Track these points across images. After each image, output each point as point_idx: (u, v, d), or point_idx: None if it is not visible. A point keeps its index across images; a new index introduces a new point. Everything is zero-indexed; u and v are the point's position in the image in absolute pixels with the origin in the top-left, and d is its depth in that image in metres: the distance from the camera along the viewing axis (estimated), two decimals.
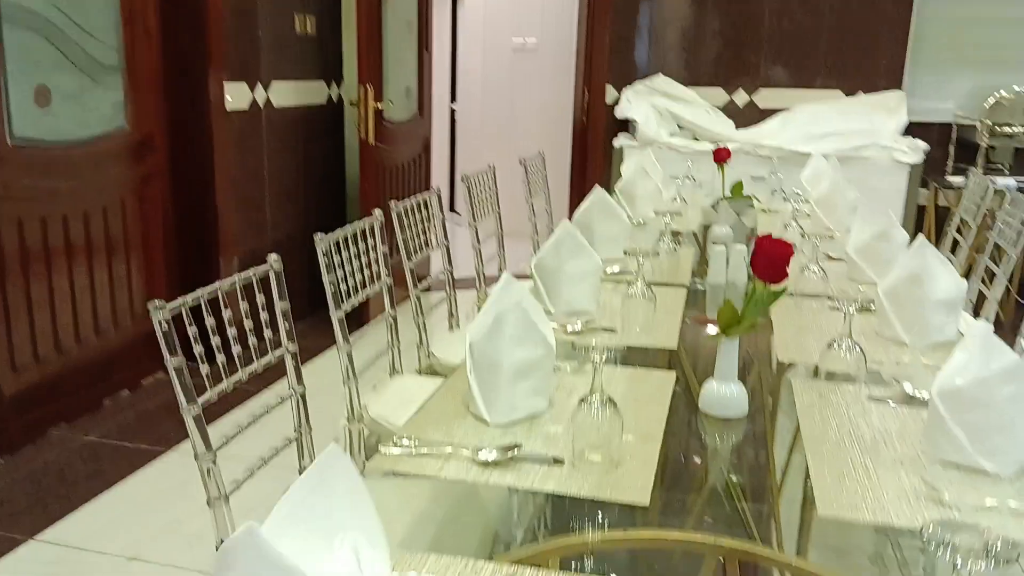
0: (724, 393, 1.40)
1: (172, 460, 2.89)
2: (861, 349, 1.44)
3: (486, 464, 1.21)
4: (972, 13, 4.64)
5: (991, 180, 3.29)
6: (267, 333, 1.62)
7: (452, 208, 6.96)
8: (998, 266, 2.80)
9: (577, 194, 5.39)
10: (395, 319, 2.27)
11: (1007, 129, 4.26)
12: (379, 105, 4.12)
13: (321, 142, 4.39)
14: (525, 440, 1.29)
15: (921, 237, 1.83)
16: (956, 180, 4.36)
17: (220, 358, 1.48)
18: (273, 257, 1.67)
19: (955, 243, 3.42)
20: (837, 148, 4.37)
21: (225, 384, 1.48)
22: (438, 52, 6.27)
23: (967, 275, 3.69)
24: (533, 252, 3.65)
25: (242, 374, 1.53)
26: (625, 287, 1.85)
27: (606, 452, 1.22)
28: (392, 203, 2.38)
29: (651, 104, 4.92)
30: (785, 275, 1.32)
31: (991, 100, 4.27)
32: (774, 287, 1.34)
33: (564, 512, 1.16)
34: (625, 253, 2.46)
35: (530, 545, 1.09)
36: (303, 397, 1.72)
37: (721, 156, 2.86)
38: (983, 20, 4.62)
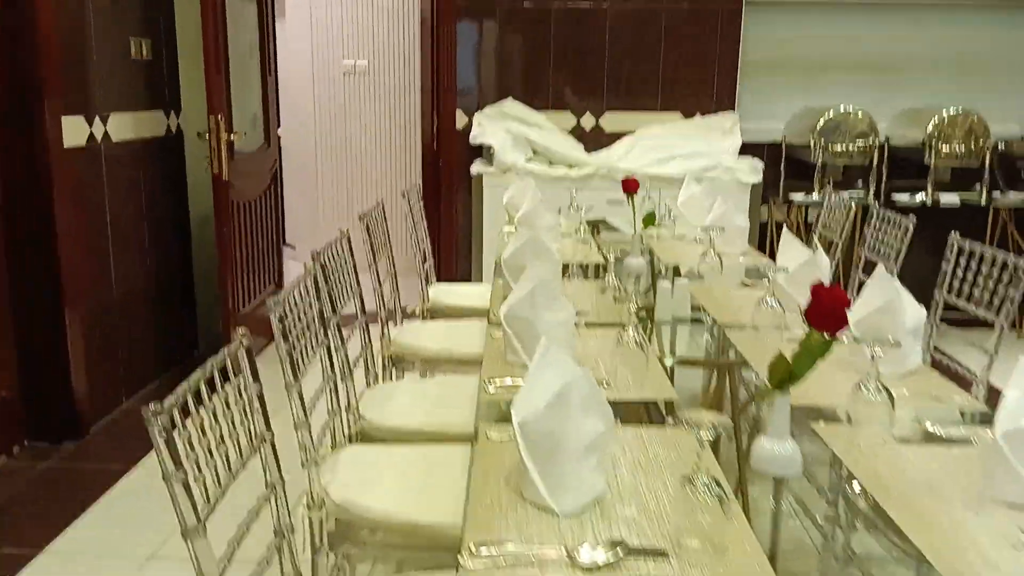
0: (778, 451, 1.35)
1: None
2: (890, 393, 1.45)
3: (592, 570, 1.07)
4: (796, 34, 5.01)
5: (850, 196, 3.53)
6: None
7: (285, 242, 6.57)
8: None
9: (434, 223, 5.25)
10: (335, 383, 2.04)
11: (836, 147, 4.63)
12: (231, 136, 3.79)
13: (162, 178, 3.96)
14: (603, 530, 1.16)
15: (880, 267, 1.89)
16: (797, 197, 4.68)
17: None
18: (241, 330, 1.43)
19: None
20: (685, 170, 4.55)
21: (220, 490, 1.24)
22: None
23: None
24: (422, 287, 3.48)
25: (231, 475, 1.29)
26: (591, 331, 1.77)
27: (704, 537, 1.12)
28: (313, 252, 2.15)
29: (505, 129, 4.89)
30: (844, 324, 1.29)
31: (821, 121, 4.62)
32: (830, 338, 1.30)
33: None
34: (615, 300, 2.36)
35: None
36: (273, 446, 1.48)
37: (630, 187, 2.85)
38: (807, 39, 5.00)
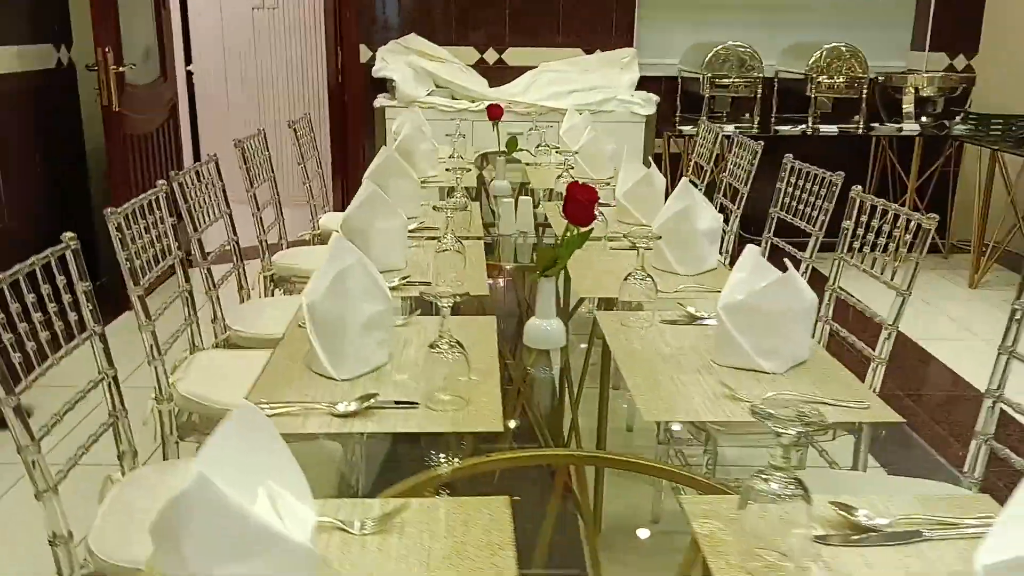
0: (545, 328, 1.55)
1: None
2: (653, 280, 1.65)
3: (345, 416, 1.27)
4: None
5: (719, 128, 3.74)
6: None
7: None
8: (733, 203, 3.22)
9: (340, 156, 5.35)
10: (191, 293, 2.19)
11: (724, 80, 4.82)
12: (121, 68, 3.82)
13: (53, 111, 3.98)
14: (377, 391, 1.35)
15: (685, 180, 2.10)
16: (686, 129, 4.88)
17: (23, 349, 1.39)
18: (69, 235, 1.57)
19: (692, 185, 3.86)
20: (582, 103, 4.72)
21: (39, 370, 1.39)
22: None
23: None
24: (311, 217, 3.62)
25: (53, 359, 1.45)
26: (427, 241, 1.94)
27: (455, 392, 1.32)
28: (172, 173, 2.28)
29: (407, 63, 4.97)
30: (593, 217, 1.49)
31: (709, 55, 4.80)
32: (584, 228, 1.50)
33: (418, 452, 1.26)
34: (435, 208, 2.54)
35: (406, 481, 1.17)
36: (115, 379, 1.64)
37: (495, 114, 3.01)
38: None
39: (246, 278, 2.71)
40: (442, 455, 1.26)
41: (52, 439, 1.42)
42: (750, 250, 1.51)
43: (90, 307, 1.59)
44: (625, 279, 1.67)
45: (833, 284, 2.26)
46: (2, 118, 3.59)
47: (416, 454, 1.28)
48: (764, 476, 0.92)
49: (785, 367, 1.47)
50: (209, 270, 2.39)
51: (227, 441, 0.81)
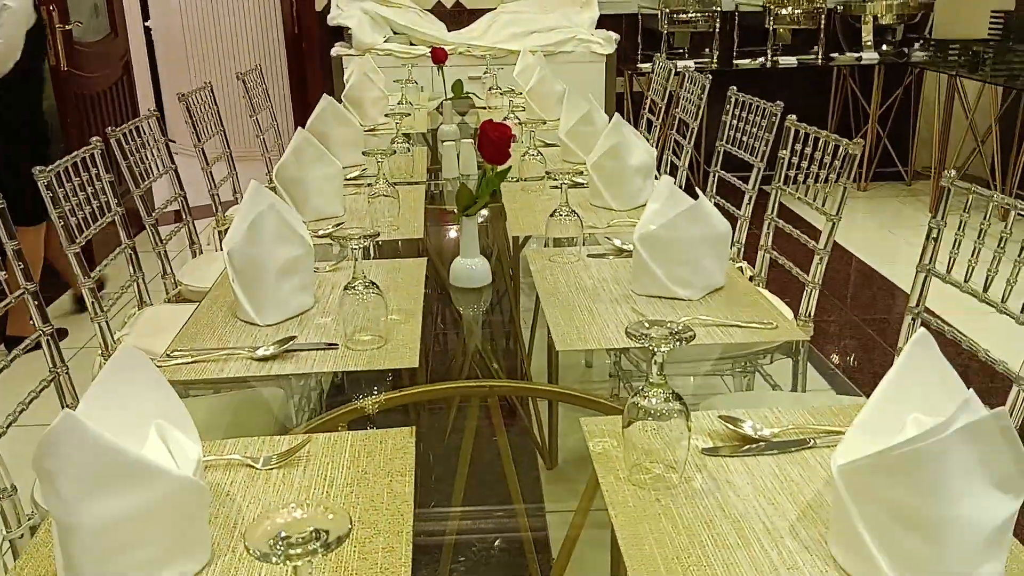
0: (469, 266, 1.58)
1: None
2: (578, 215, 1.68)
3: (264, 359, 1.30)
4: None
5: (672, 64, 3.73)
6: None
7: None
8: (684, 138, 3.23)
9: (300, 107, 5.30)
10: (134, 249, 2.20)
11: (682, 16, 4.79)
12: (67, 27, 3.76)
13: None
14: (298, 335, 1.39)
15: (617, 116, 2.11)
16: (645, 67, 4.85)
17: None
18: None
19: (649, 122, 3.86)
20: (541, 44, 4.67)
21: None
22: None
23: (662, 150, 4.19)
24: (267, 170, 3.61)
25: None
26: (367, 189, 1.96)
27: (374, 331, 1.35)
28: (108, 129, 2.27)
29: (362, 10, 4.90)
30: (508, 156, 1.50)
31: None
32: (500, 168, 1.52)
33: (344, 393, 1.29)
34: (364, 154, 2.54)
35: (318, 417, 1.21)
36: (53, 336, 1.67)
37: (438, 57, 2.99)
38: None
39: (196, 233, 2.72)
40: (363, 393, 1.30)
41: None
42: (664, 181, 1.54)
43: (20, 266, 1.61)
44: (551, 216, 1.69)
45: (771, 213, 2.29)
46: None
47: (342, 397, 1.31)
48: (643, 393, 0.96)
49: (700, 294, 1.51)
50: (155, 226, 2.39)
51: (111, 383, 0.84)
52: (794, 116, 2.24)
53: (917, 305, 1.68)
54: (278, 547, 0.60)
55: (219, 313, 1.50)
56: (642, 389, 0.96)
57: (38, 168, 1.81)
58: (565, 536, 1.03)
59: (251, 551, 0.60)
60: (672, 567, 0.86)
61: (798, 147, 2.18)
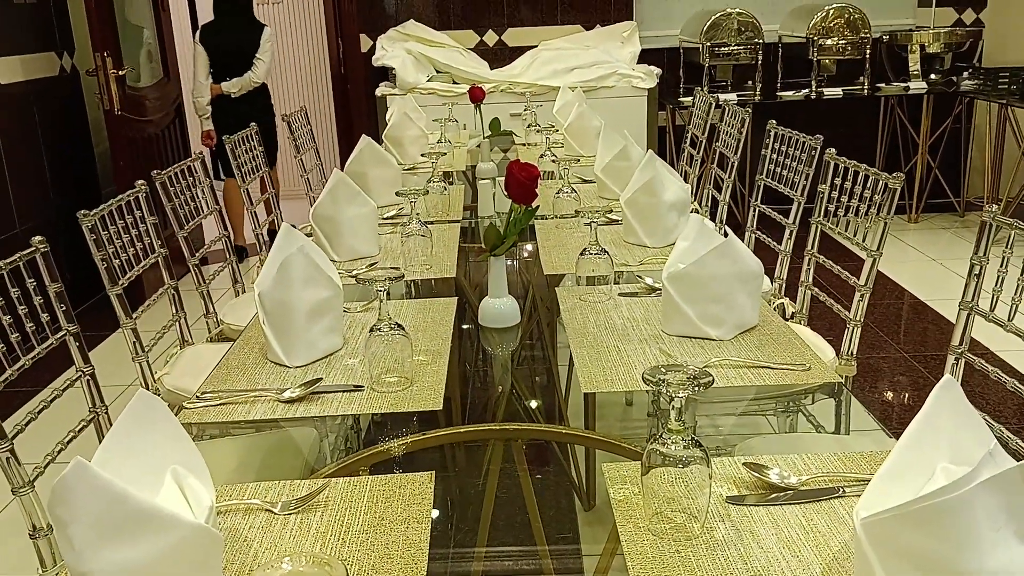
0: (497, 306, 1.57)
1: None
2: (608, 254, 1.67)
3: (290, 401, 1.31)
4: None
5: (714, 97, 3.71)
6: (44, 317, 1.59)
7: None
8: (725, 172, 3.20)
9: (346, 146, 5.40)
10: (177, 290, 2.25)
11: (723, 49, 4.77)
12: (120, 72, 3.90)
13: (59, 117, 4.08)
14: (325, 376, 1.39)
15: (650, 151, 2.10)
16: (687, 101, 4.83)
17: None
18: (38, 239, 1.63)
19: (691, 156, 3.84)
20: (582, 80, 4.70)
21: (9, 372, 1.45)
22: (176, 10, 5.94)
23: (703, 184, 4.16)
24: (310, 208, 3.67)
25: (25, 360, 1.51)
26: (403, 228, 1.98)
27: (400, 373, 1.35)
28: (154, 173, 2.34)
29: (406, 50, 5.00)
30: (535, 195, 1.50)
31: (707, 23, 4.75)
32: (528, 207, 1.52)
33: (371, 435, 1.29)
34: (397, 194, 2.57)
35: (339, 461, 1.21)
36: (93, 376, 1.70)
37: (476, 96, 3.02)
38: None
39: (240, 272, 2.77)
40: (388, 435, 1.30)
41: (36, 439, 1.48)
42: (694, 218, 1.52)
43: (63, 308, 1.65)
44: (581, 254, 1.69)
45: (812, 248, 2.25)
46: (9, 126, 3.69)
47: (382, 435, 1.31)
48: (662, 440, 0.94)
49: (732, 333, 1.48)
50: (198, 266, 2.44)
51: (128, 429, 0.85)
52: (833, 150, 2.20)
53: (960, 344, 1.62)
54: None
55: (251, 354, 1.52)
56: (660, 435, 0.94)
57: (82, 212, 1.86)
58: None
59: None
60: None
61: (838, 181, 2.15)
